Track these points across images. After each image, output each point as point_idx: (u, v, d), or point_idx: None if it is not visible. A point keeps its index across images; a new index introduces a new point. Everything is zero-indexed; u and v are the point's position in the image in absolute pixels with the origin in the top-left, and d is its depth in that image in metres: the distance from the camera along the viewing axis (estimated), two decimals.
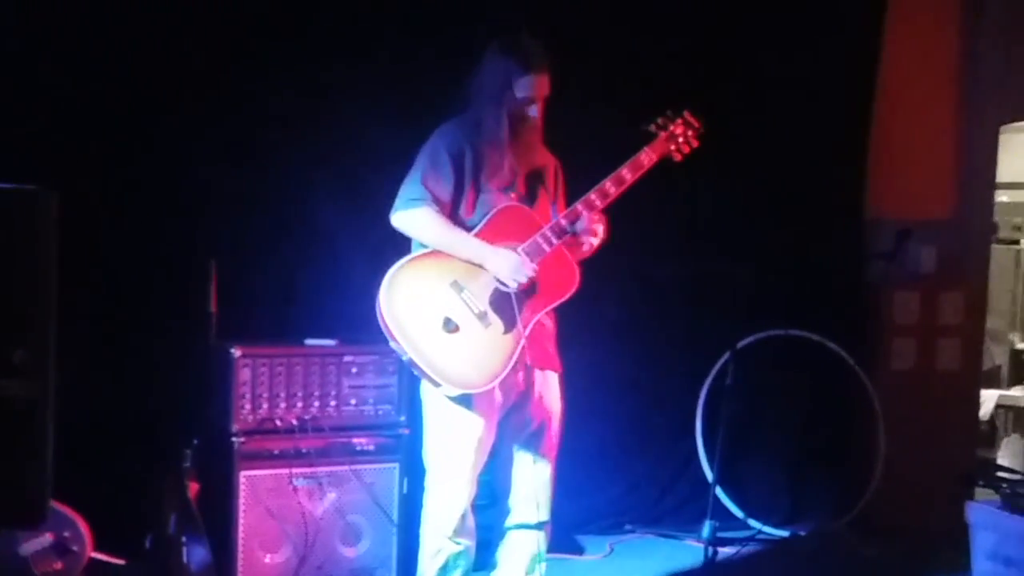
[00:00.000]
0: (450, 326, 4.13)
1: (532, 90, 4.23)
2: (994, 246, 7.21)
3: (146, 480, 4.55)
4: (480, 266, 4.20)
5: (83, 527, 4.49)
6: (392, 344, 4.13)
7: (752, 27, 5.93)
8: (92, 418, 4.78)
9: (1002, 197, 8.09)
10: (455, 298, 4.17)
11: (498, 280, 4.20)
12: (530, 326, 4.24)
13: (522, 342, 4.22)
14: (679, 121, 4.50)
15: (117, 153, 4.95)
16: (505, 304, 4.21)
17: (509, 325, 4.21)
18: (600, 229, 4.33)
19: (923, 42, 6.43)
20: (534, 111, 4.27)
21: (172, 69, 4.98)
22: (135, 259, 4.98)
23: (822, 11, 6.06)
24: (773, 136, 6.03)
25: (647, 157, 4.39)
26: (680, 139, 4.49)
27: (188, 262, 4.88)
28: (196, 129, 5.02)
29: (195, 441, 4.46)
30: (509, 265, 4.19)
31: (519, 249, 4.22)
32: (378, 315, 4.10)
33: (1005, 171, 7.21)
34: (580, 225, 4.28)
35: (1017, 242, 8.66)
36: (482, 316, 4.18)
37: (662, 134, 4.45)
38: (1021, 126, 7.42)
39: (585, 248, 4.36)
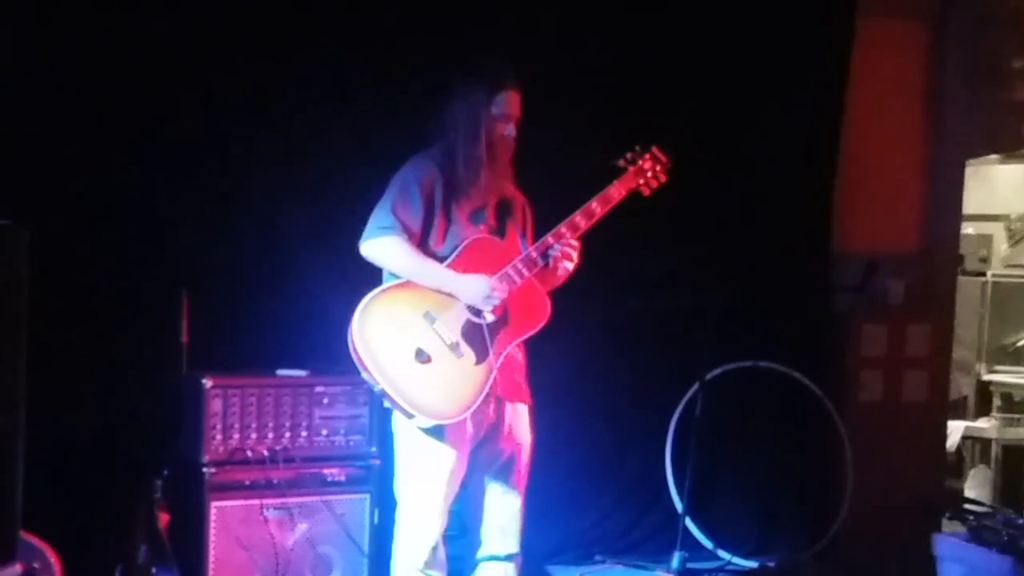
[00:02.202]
0: (423, 357, 4.15)
1: (508, 106, 4.29)
2: (960, 278, 7.28)
3: (116, 510, 4.54)
4: (451, 295, 4.23)
5: (53, 558, 4.45)
6: (364, 375, 4.15)
7: (720, 63, 5.98)
8: (62, 448, 4.76)
9: (968, 229, 8.18)
10: (427, 329, 4.19)
11: (470, 310, 4.23)
12: (502, 357, 4.27)
13: (494, 373, 4.24)
14: (647, 156, 4.55)
15: (87, 183, 4.93)
16: (477, 335, 4.24)
17: (481, 356, 4.23)
18: (575, 254, 4.37)
19: (890, 78, 6.50)
20: (511, 131, 4.31)
21: (143, 99, 4.98)
22: (106, 289, 4.96)
23: (790, 46, 6.11)
24: (741, 170, 6.07)
25: (616, 191, 4.44)
26: (648, 174, 4.53)
27: (159, 292, 4.88)
28: (167, 159, 5.02)
29: (166, 472, 4.46)
30: (479, 290, 4.22)
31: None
32: (350, 346, 4.12)
33: (971, 203, 7.30)
34: (552, 256, 4.32)
35: (983, 274, 8.74)
36: (454, 347, 4.21)
37: (631, 168, 4.50)
38: (987, 159, 7.52)
39: (560, 273, 4.39)
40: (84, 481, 4.83)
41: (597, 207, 4.40)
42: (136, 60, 4.96)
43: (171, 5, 5.00)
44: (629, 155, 4.52)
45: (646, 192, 4.54)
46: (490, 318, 4.25)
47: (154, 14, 4.97)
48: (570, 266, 4.37)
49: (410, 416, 4.16)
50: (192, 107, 5.06)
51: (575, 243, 4.37)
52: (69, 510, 4.67)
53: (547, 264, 4.34)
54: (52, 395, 4.65)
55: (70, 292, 4.87)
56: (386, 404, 4.24)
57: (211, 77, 5.06)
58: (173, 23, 4.99)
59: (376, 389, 4.16)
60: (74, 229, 4.91)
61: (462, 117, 4.29)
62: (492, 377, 4.24)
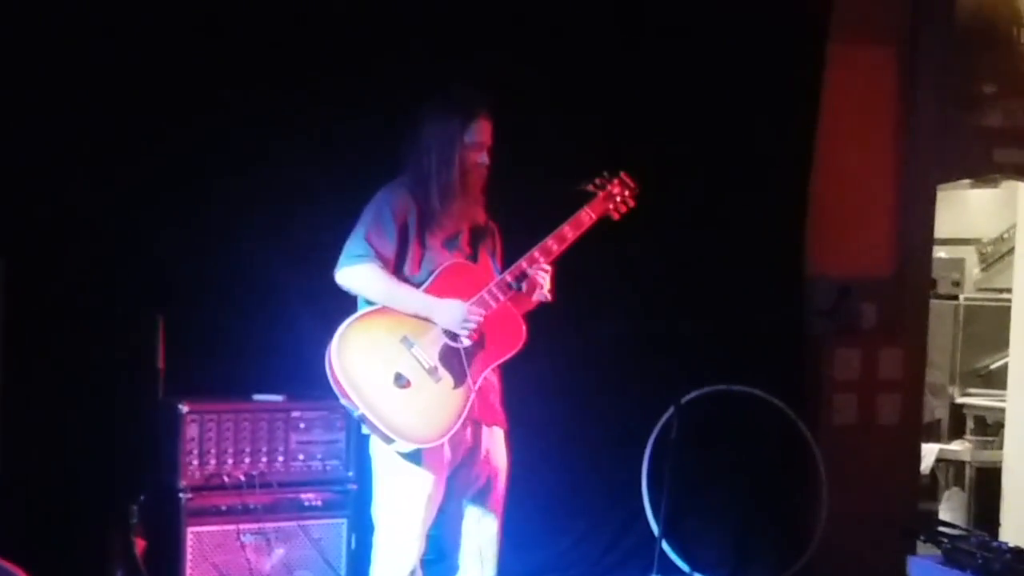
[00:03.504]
0: (401, 381, 4.17)
1: (480, 135, 4.32)
2: (933, 301, 7.33)
3: (93, 535, 4.54)
4: (427, 319, 4.25)
5: None
6: (343, 401, 4.16)
7: (692, 89, 6.02)
8: (38, 473, 4.75)
9: (940, 253, 8.24)
10: (405, 353, 4.21)
11: (446, 334, 4.25)
12: (480, 381, 4.29)
13: (472, 397, 4.26)
14: (616, 181, 4.58)
15: (63, 208, 4.94)
16: (454, 359, 4.26)
17: (459, 380, 4.25)
18: (547, 278, 4.40)
19: (862, 104, 6.55)
20: (484, 159, 4.35)
21: (120, 126, 4.99)
22: (82, 315, 4.96)
23: (762, 72, 6.16)
24: (713, 195, 6.12)
25: (587, 215, 4.47)
26: (618, 198, 4.57)
27: (136, 318, 4.89)
28: (143, 184, 5.03)
29: (142, 497, 4.47)
30: (456, 314, 4.24)
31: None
32: (328, 372, 4.13)
33: (943, 228, 7.36)
34: (525, 280, 4.35)
35: (956, 297, 8.80)
36: (432, 371, 4.22)
37: (600, 193, 4.53)
38: (958, 184, 7.58)
39: (535, 298, 4.42)
40: (60, 506, 4.83)
41: (569, 232, 4.44)
42: (116, 87, 4.98)
43: (148, 32, 5.01)
44: (598, 180, 4.55)
45: (616, 216, 4.57)
46: (467, 342, 4.27)
47: (132, 42, 4.99)
48: (544, 290, 4.40)
49: (389, 441, 4.17)
50: (169, 134, 5.07)
51: (547, 267, 4.40)
52: (45, 535, 4.67)
53: (521, 288, 4.37)
54: (28, 420, 4.67)
55: (46, 318, 4.88)
56: (365, 430, 4.25)
57: (190, 105, 5.08)
58: (151, 51, 5.01)
59: (355, 415, 4.17)
60: (50, 255, 4.92)
61: (435, 145, 4.32)
62: (470, 401, 4.26)
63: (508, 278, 4.35)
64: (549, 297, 4.42)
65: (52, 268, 4.92)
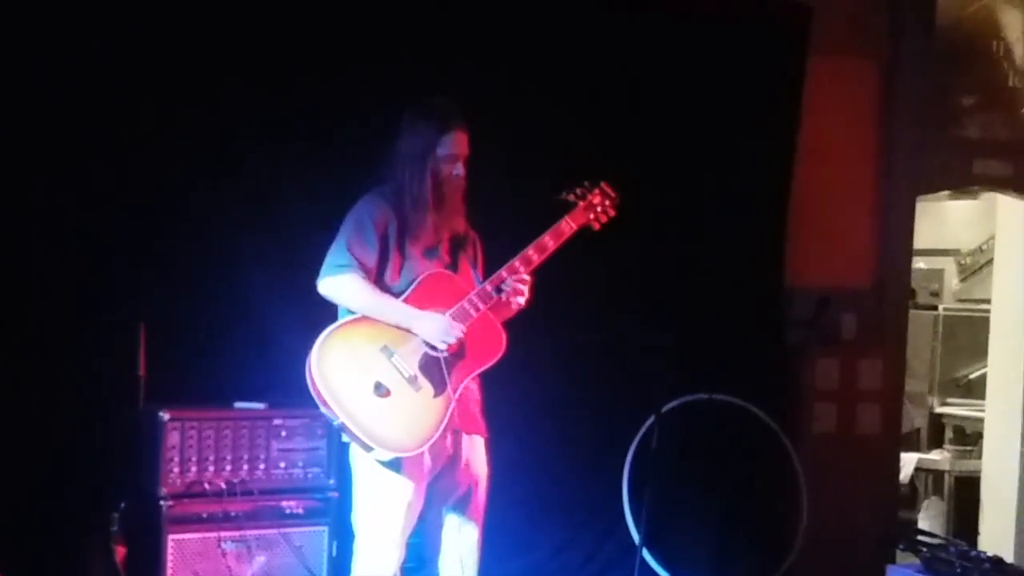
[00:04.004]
0: (381, 390, 4.18)
1: (455, 147, 4.34)
2: (912, 312, 7.37)
3: (73, 543, 4.54)
4: (408, 330, 4.26)
5: None
6: (323, 409, 4.17)
7: (672, 100, 6.05)
8: (19, 480, 4.75)
9: (919, 264, 8.29)
10: (385, 363, 4.22)
11: (426, 344, 4.27)
12: (460, 390, 4.30)
13: (452, 406, 4.28)
14: (597, 191, 4.61)
15: (44, 216, 4.94)
16: (435, 368, 4.28)
17: (439, 389, 4.27)
18: (527, 288, 4.41)
19: (841, 116, 6.59)
20: (459, 170, 4.36)
21: (99, 134, 4.99)
22: (63, 323, 4.96)
23: (742, 83, 6.18)
24: (694, 206, 6.14)
25: (567, 225, 4.50)
26: (598, 208, 4.59)
27: (117, 326, 4.88)
28: (124, 192, 5.02)
29: (122, 504, 4.46)
30: (437, 328, 4.26)
31: (447, 314, 4.29)
32: (308, 380, 4.15)
33: (922, 238, 7.40)
34: (506, 289, 4.37)
35: (935, 307, 8.86)
36: (412, 380, 4.24)
37: (581, 203, 4.56)
38: (938, 195, 7.63)
39: (514, 307, 4.44)
40: (41, 514, 4.81)
41: (549, 241, 4.46)
42: (93, 93, 4.97)
43: (124, 37, 5.01)
44: (579, 190, 4.58)
45: (596, 226, 4.60)
46: (446, 352, 4.28)
47: (109, 46, 4.98)
48: (522, 300, 4.42)
49: (369, 449, 4.18)
50: (148, 143, 5.07)
51: (527, 277, 4.42)
52: (25, 543, 4.65)
53: (501, 297, 4.39)
54: (8, 427, 4.66)
55: (26, 325, 4.87)
56: (345, 438, 4.27)
57: (168, 114, 5.07)
58: (131, 58, 5.01)
59: (335, 423, 4.18)
60: (30, 263, 4.90)
61: (409, 158, 4.34)
62: (451, 410, 4.27)
63: (488, 287, 4.37)
64: (523, 303, 4.44)
65: (32, 275, 4.91)
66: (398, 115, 4.42)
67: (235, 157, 5.19)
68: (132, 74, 5.02)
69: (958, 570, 4.91)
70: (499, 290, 4.38)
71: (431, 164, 4.31)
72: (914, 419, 8.47)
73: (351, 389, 4.15)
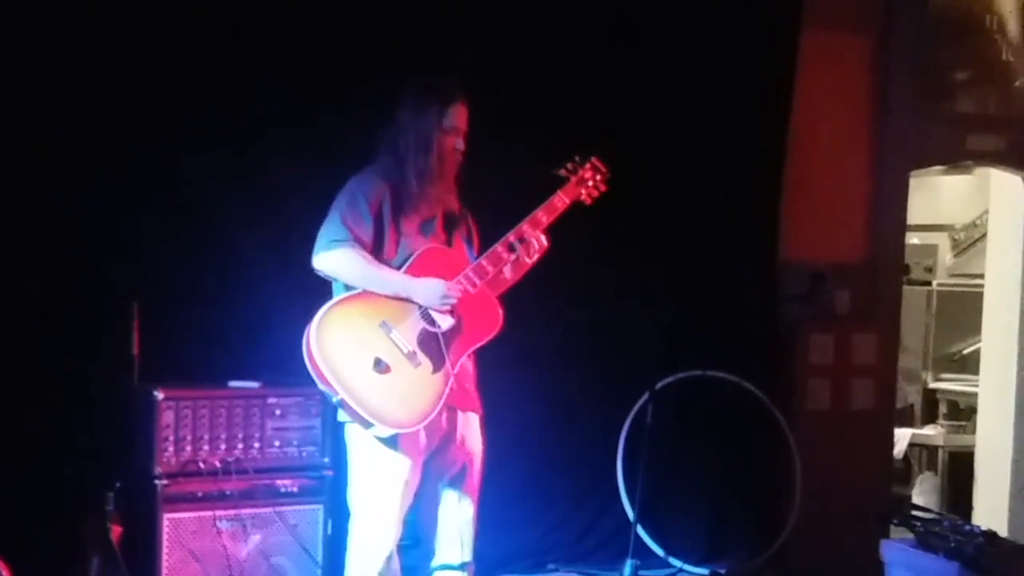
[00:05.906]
0: (381, 366, 4.18)
1: (458, 119, 4.35)
2: (906, 287, 7.37)
3: (68, 523, 4.53)
4: (408, 299, 4.26)
5: (4, 570, 4.46)
6: (322, 387, 4.16)
7: (665, 75, 6.04)
8: (13, 461, 4.74)
9: (913, 239, 8.29)
10: (384, 338, 4.21)
11: (425, 319, 4.26)
12: (458, 365, 4.30)
13: (451, 381, 4.27)
14: (588, 166, 4.59)
15: (38, 195, 4.93)
16: (433, 344, 4.27)
17: (437, 365, 4.26)
18: (537, 244, 4.42)
19: (835, 91, 6.59)
20: (459, 144, 4.37)
21: (93, 113, 4.98)
22: (56, 302, 4.95)
23: (736, 57, 6.18)
24: (687, 181, 6.14)
25: (560, 200, 4.49)
26: (590, 183, 4.58)
27: (111, 305, 4.87)
28: (118, 171, 5.02)
29: (118, 484, 4.45)
30: (436, 292, 4.25)
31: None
32: (307, 358, 4.14)
33: (916, 214, 7.40)
34: (510, 261, 4.37)
35: (929, 283, 8.87)
36: (411, 356, 4.23)
37: (572, 178, 4.55)
38: (931, 170, 7.62)
39: (507, 277, 4.45)
40: (35, 494, 4.81)
41: (543, 216, 4.45)
42: (90, 75, 4.96)
43: (120, 23, 4.99)
44: (570, 165, 4.56)
45: (588, 202, 4.58)
46: (445, 326, 4.28)
47: (104, 30, 4.97)
48: (535, 256, 4.42)
49: (368, 426, 4.18)
50: (143, 122, 5.06)
51: (536, 243, 4.41)
52: (20, 523, 4.65)
53: (502, 272, 4.40)
54: (2, 407, 4.65)
55: (20, 305, 4.86)
56: (343, 416, 4.26)
57: (163, 93, 5.07)
58: (125, 39, 5.00)
59: (335, 400, 4.18)
60: (23, 242, 4.89)
61: (413, 130, 4.33)
62: (449, 385, 4.27)
63: (485, 263, 4.36)
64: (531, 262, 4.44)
65: (27, 255, 4.90)
66: (391, 90, 4.41)
67: (230, 137, 5.19)
68: (124, 49, 5.01)
69: (952, 544, 4.91)
70: (495, 265, 4.36)
71: (436, 136, 4.31)
72: (908, 394, 8.49)
73: (351, 365, 4.14)
